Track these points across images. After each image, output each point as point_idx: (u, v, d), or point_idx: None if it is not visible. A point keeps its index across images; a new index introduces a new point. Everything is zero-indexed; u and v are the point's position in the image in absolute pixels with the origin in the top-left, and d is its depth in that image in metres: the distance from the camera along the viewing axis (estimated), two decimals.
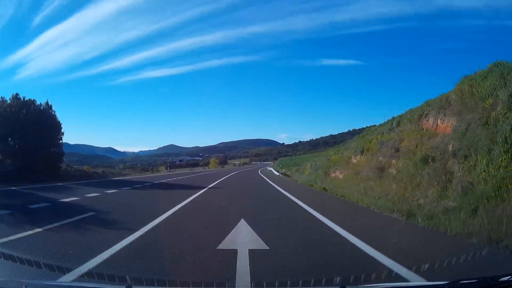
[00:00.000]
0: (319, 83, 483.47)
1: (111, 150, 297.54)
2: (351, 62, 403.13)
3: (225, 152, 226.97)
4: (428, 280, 2.95)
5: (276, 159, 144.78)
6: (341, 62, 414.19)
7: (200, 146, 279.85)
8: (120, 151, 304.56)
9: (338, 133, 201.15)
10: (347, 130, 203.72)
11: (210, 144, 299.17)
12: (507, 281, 1.91)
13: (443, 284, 2.10)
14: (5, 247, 4.19)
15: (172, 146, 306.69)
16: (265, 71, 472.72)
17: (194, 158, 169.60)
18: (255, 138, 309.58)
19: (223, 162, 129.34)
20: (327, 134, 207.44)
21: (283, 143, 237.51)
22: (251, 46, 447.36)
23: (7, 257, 3.61)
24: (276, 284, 2.86)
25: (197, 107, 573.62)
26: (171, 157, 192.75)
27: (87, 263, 3.57)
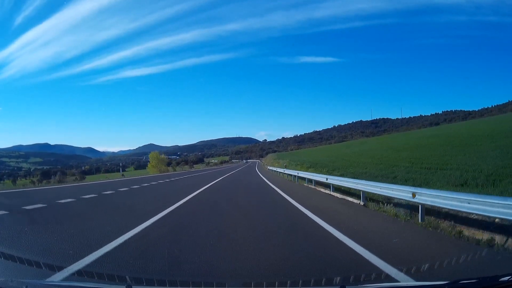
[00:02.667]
0: (298, 80, 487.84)
1: (91, 150, 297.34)
2: (330, 59, 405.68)
3: (203, 151, 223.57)
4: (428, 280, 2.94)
5: (262, 156, 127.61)
6: (320, 59, 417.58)
7: (179, 145, 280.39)
8: (99, 151, 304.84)
9: (323, 129, 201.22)
10: (332, 126, 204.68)
11: (190, 143, 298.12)
12: (507, 281, 1.91)
13: (443, 284, 2.10)
14: None
15: (151, 146, 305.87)
16: (243, 69, 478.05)
17: (169, 157, 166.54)
18: (234, 136, 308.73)
19: (198, 161, 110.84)
20: (311, 131, 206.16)
21: (265, 140, 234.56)
22: (229, 44, 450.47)
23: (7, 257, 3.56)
24: (276, 284, 2.86)
25: (176, 106, 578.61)
26: (145, 156, 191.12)
27: None
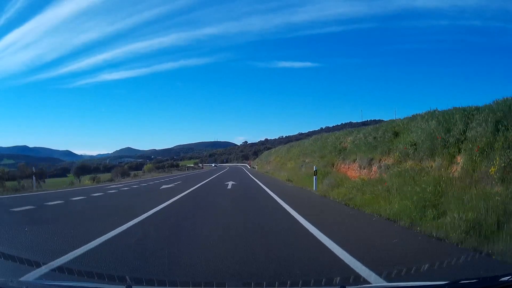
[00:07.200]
0: (277, 85, 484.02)
1: (68, 153, 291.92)
2: (308, 64, 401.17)
3: (180, 154, 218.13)
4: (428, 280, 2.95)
5: (247, 158, 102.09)
6: (298, 64, 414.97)
7: (156, 149, 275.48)
8: (77, 154, 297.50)
9: (309, 131, 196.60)
10: (319, 128, 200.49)
11: (167, 147, 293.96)
12: (507, 281, 1.91)
13: (443, 284, 2.10)
14: None
15: (128, 149, 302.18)
16: (221, 73, 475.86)
17: (138, 160, 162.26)
18: (212, 140, 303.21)
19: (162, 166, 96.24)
20: (295, 133, 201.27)
21: (246, 142, 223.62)
22: (206, 48, 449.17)
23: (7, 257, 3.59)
24: (276, 284, 2.86)
25: (154, 109, 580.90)
26: (108, 159, 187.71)
27: None
